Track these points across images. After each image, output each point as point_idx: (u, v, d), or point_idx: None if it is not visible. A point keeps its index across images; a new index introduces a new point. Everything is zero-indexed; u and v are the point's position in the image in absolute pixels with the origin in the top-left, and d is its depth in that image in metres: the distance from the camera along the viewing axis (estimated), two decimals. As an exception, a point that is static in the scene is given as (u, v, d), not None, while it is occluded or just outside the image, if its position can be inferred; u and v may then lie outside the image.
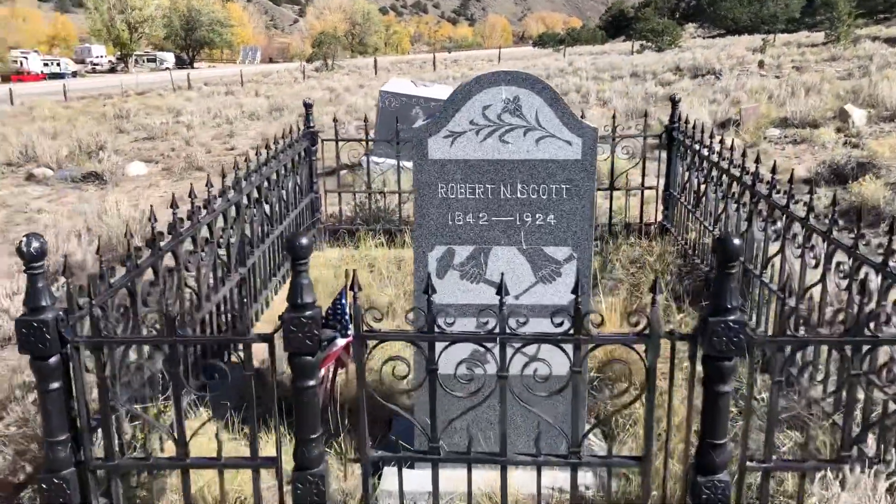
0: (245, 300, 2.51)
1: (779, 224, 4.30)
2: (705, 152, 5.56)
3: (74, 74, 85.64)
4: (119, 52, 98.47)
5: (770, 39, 35.89)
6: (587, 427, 2.93)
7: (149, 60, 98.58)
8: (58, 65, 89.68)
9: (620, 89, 19.20)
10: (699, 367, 2.54)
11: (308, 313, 2.52)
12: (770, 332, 4.03)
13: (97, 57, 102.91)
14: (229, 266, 4.49)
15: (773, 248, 4.42)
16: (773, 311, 4.33)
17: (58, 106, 24.38)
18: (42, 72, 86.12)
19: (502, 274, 2.76)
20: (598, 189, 6.86)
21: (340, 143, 6.75)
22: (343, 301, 2.56)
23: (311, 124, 6.58)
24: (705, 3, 73.49)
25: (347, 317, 2.56)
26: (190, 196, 4.12)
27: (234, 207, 4.60)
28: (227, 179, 4.62)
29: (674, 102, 6.55)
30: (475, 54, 72.88)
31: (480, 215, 3.33)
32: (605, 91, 18.42)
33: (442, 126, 3.26)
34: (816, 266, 3.88)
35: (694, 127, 6.14)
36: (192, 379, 2.84)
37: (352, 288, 2.55)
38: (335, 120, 6.77)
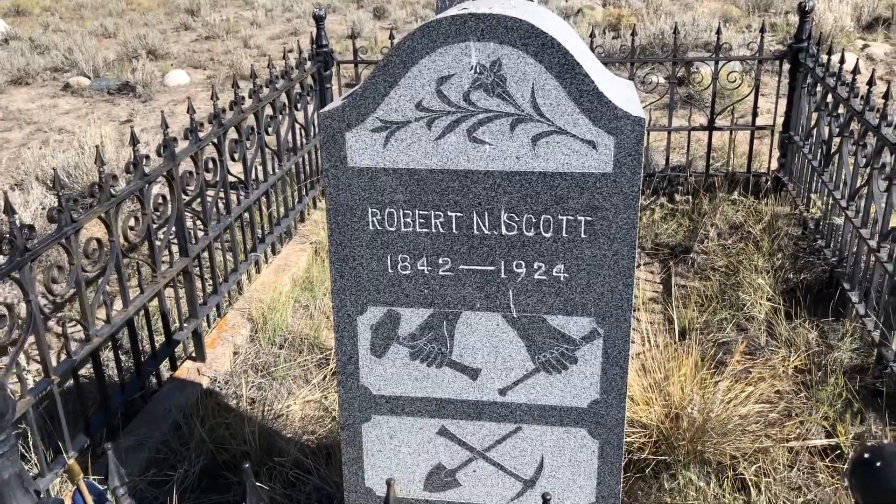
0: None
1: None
2: (843, 93, 3.86)
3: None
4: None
5: None
6: None
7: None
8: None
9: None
10: None
11: (15, 533, 1.29)
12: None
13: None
14: (154, 265, 3.30)
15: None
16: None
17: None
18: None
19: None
20: (694, 128, 5.25)
21: (361, 67, 5.33)
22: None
23: (325, 42, 5.15)
24: None
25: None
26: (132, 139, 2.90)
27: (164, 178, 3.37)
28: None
29: (803, 11, 4.76)
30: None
31: (440, 261, 1.97)
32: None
33: (369, 111, 1.87)
34: None
35: (831, 49, 4.41)
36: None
37: (106, 481, 1.30)
38: (352, 36, 5.29)
